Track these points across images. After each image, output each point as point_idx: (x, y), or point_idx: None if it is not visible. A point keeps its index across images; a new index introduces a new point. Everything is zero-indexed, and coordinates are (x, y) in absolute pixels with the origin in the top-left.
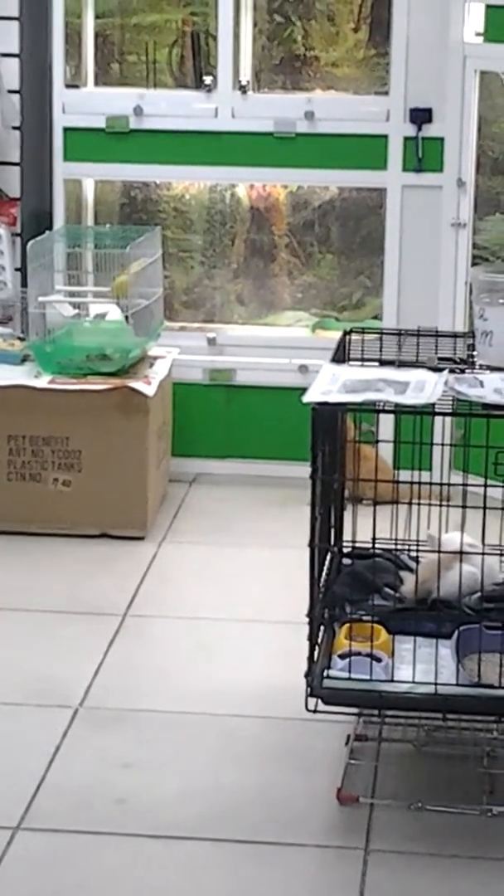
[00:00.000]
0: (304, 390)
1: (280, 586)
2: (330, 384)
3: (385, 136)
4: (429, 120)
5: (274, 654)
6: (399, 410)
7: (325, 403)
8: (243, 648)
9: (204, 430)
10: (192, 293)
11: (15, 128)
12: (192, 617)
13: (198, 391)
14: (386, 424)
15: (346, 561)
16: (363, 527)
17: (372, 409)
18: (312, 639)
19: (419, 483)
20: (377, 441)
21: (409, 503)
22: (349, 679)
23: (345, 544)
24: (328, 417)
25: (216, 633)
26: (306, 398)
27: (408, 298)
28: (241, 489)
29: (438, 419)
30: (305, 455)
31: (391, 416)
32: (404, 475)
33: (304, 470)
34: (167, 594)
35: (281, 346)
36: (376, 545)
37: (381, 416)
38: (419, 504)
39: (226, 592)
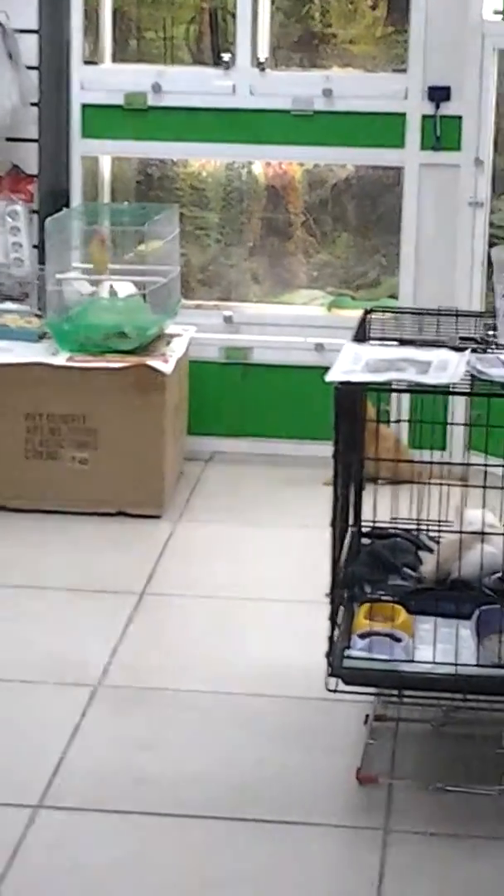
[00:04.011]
0: (319, 369)
1: (297, 565)
2: (353, 364)
3: (403, 115)
4: (447, 98)
5: (293, 634)
6: (422, 390)
7: (349, 383)
8: (262, 628)
9: (220, 409)
10: (209, 271)
11: (33, 104)
12: (210, 596)
13: (214, 369)
14: (403, 405)
15: (366, 541)
16: (383, 507)
17: (395, 389)
18: (333, 618)
19: (439, 463)
20: (391, 421)
21: (429, 483)
22: (369, 659)
23: (364, 524)
24: (351, 397)
25: (234, 613)
26: (329, 377)
27: (424, 277)
28: (257, 468)
29: (459, 399)
30: (321, 434)
31: (408, 396)
32: (422, 455)
33: (319, 449)
34: (184, 573)
35: (297, 325)
36: (396, 525)
37: (400, 396)
38: (438, 484)
39: (243, 571)
